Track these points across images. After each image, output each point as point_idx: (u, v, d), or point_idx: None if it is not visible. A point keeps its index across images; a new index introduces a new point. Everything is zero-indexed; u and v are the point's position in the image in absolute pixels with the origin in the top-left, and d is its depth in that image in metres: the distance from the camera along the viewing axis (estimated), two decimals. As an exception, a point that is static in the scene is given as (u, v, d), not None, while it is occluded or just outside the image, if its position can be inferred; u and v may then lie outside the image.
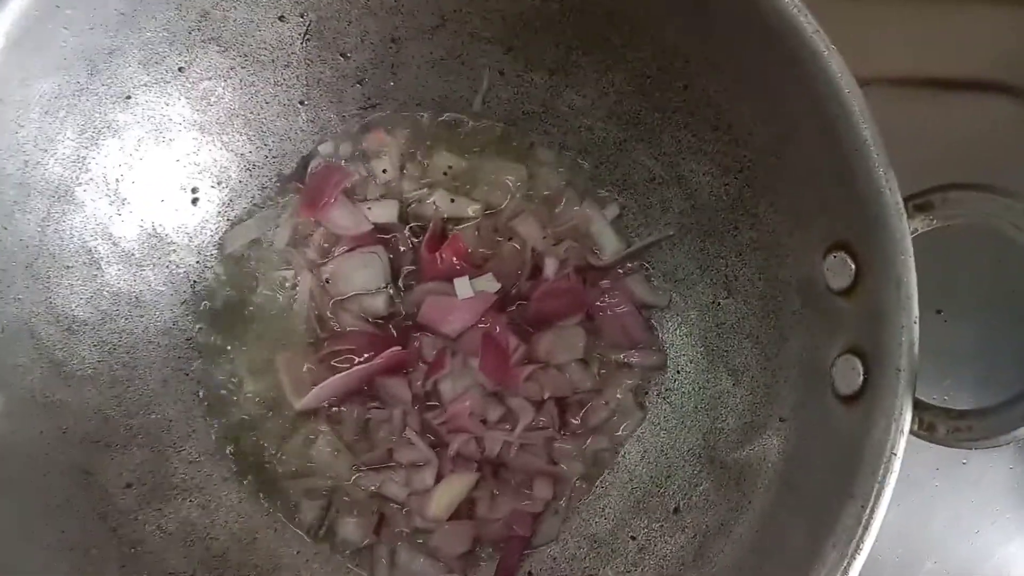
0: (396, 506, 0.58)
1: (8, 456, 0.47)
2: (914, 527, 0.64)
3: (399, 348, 0.58)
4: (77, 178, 0.52)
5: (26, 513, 0.47)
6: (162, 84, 0.53)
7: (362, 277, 0.58)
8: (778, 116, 0.48)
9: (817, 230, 0.48)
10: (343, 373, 0.57)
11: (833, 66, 0.43)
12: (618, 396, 0.59)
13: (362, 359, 0.58)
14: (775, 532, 0.49)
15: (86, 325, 0.53)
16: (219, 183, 0.59)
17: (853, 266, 0.45)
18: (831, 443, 0.46)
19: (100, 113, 0.51)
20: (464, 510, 0.58)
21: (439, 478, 0.58)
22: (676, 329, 0.60)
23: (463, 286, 0.58)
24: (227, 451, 0.58)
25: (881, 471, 0.42)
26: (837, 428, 0.46)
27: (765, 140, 0.50)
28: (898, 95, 0.65)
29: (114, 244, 0.55)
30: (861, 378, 0.44)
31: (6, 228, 0.48)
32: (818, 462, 0.47)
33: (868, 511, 0.42)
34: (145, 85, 0.53)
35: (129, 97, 0.52)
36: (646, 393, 0.60)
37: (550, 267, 0.59)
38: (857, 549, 0.42)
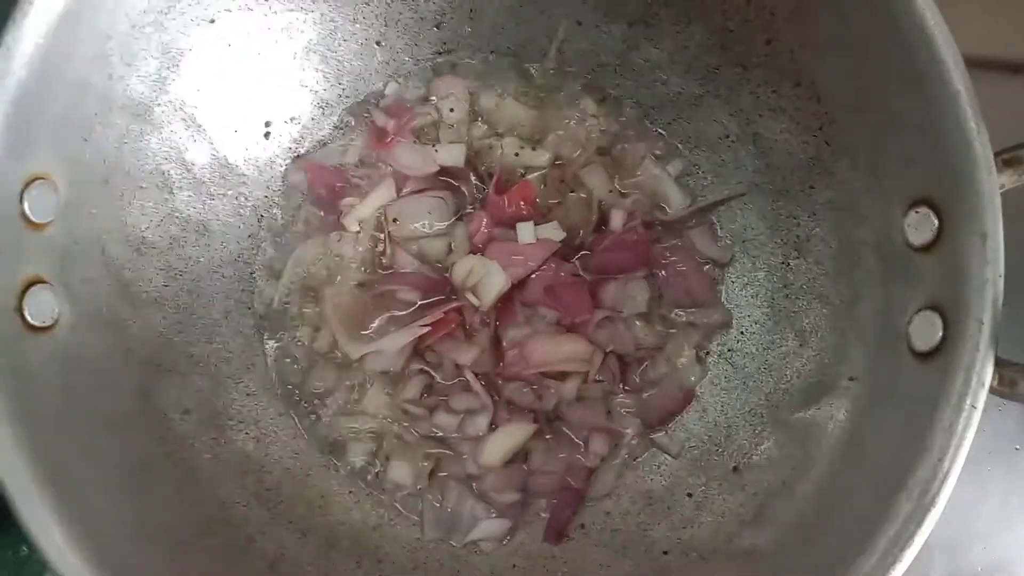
0: (450, 452, 0.58)
1: (73, 368, 0.47)
2: (964, 511, 0.63)
3: (455, 306, 0.57)
4: (157, 98, 0.52)
5: (89, 426, 0.47)
6: (246, 11, 0.54)
7: (426, 220, 0.58)
8: (864, 70, 0.48)
9: (899, 186, 0.47)
10: (402, 337, 0.56)
11: (927, 15, 0.43)
12: (680, 354, 0.59)
13: (415, 304, 0.58)
14: (841, 490, 0.48)
15: (154, 248, 0.53)
16: (292, 119, 0.59)
17: (936, 221, 0.45)
18: (905, 401, 0.45)
19: (184, 34, 0.52)
20: (519, 461, 0.58)
21: (494, 427, 0.57)
22: (742, 290, 0.59)
23: (526, 231, 0.57)
24: (283, 387, 0.58)
25: (960, 424, 0.41)
26: (912, 386, 0.45)
27: (848, 96, 0.50)
28: (986, 77, 0.64)
29: (187, 170, 0.55)
30: (940, 334, 0.44)
31: (86, 140, 0.48)
32: (890, 420, 0.46)
33: (947, 463, 0.41)
34: (229, 10, 0.53)
35: (213, 21, 0.53)
36: (707, 352, 0.60)
37: (616, 219, 0.59)
38: (933, 501, 0.41)
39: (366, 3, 0.57)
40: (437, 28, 0.59)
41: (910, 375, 0.45)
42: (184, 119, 0.54)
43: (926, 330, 0.45)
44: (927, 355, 0.44)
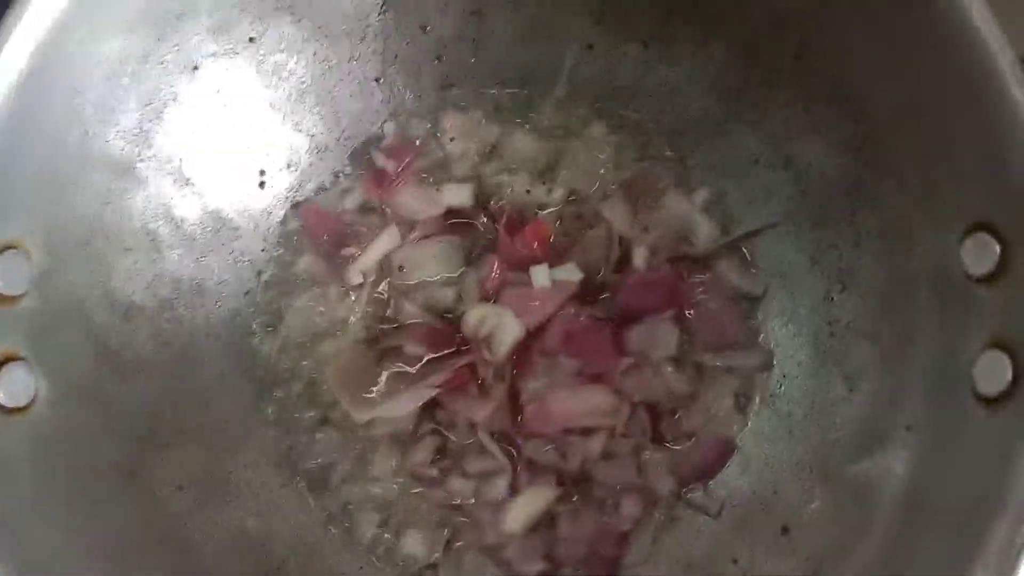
0: (467, 520, 0.53)
1: (51, 449, 0.43)
2: None
3: (467, 360, 0.53)
4: (139, 153, 0.49)
5: (68, 511, 0.43)
6: (231, 55, 0.51)
7: (433, 267, 0.55)
8: (906, 83, 0.43)
9: (952, 210, 0.42)
10: (411, 396, 0.53)
11: (976, 17, 0.39)
12: (717, 402, 0.54)
13: (423, 359, 0.54)
14: (906, 555, 0.43)
15: (143, 312, 0.50)
16: (288, 165, 0.56)
17: (998, 248, 0.40)
18: (972, 452, 0.40)
19: (166, 84, 0.49)
20: (544, 526, 0.53)
21: (514, 490, 0.53)
22: (782, 328, 0.54)
23: (540, 274, 0.53)
24: (285, 455, 0.54)
25: (1042, 479, 0.36)
26: (980, 435, 0.40)
27: (890, 112, 0.45)
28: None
29: (176, 227, 0.52)
30: (1009, 375, 0.39)
31: (62, 202, 0.45)
32: (956, 475, 0.41)
33: (1027, 525, 0.36)
34: (214, 55, 0.50)
35: (197, 67, 0.50)
36: (748, 399, 0.55)
37: (639, 256, 0.54)
38: (1015, 569, 0.36)
39: (361, 39, 0.54)
40: (439, 61, 0.56)
41: (977, 423, 0.40)
42: (171, 173, 0.51)
43: (993, 372, 0.40)
44: (996, 400, 0.39)
